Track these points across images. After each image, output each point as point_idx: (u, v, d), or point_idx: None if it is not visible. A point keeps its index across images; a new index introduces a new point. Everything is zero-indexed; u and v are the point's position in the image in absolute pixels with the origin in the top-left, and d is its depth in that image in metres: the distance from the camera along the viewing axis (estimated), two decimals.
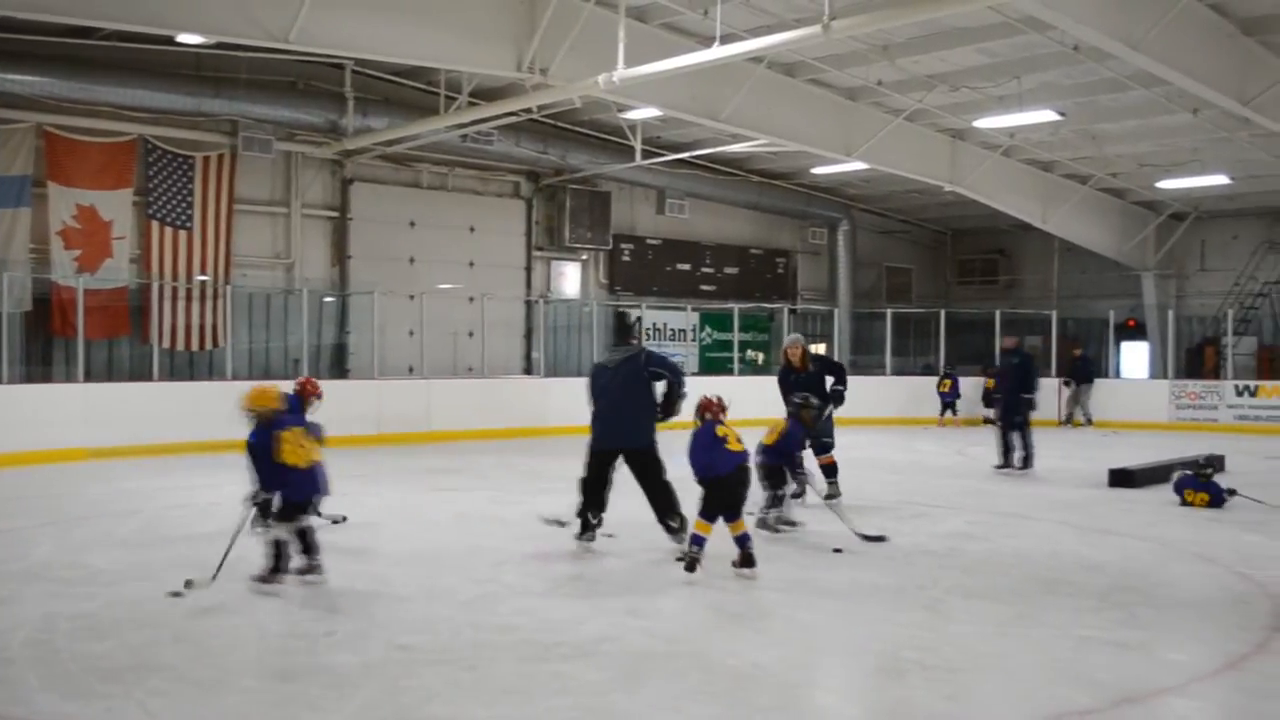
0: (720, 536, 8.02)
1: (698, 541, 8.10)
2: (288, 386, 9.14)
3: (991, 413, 20.70)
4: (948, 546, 9.35)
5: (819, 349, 25.11)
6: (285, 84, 19.05)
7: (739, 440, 8.29)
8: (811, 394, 10.38)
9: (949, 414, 23.19)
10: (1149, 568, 8.75)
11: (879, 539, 9.30)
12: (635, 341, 10.52)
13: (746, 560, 8.10)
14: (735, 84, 17.14)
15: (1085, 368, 23.29)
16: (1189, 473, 11.91)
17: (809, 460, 10.63)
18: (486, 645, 6.24)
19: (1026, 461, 14.46)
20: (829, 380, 11.52)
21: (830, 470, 11.46)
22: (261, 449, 7.52)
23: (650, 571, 8.29)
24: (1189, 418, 22.10)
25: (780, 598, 7.46)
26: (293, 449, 7.50)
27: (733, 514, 8.13)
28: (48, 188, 17.32)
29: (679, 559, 8.24)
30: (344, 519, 9.62)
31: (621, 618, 6.92)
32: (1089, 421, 22.73)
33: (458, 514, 10.43)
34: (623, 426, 8.95)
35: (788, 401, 10.53)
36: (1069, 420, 23.06)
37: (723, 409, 8.49)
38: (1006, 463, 14.59)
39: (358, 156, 20.75)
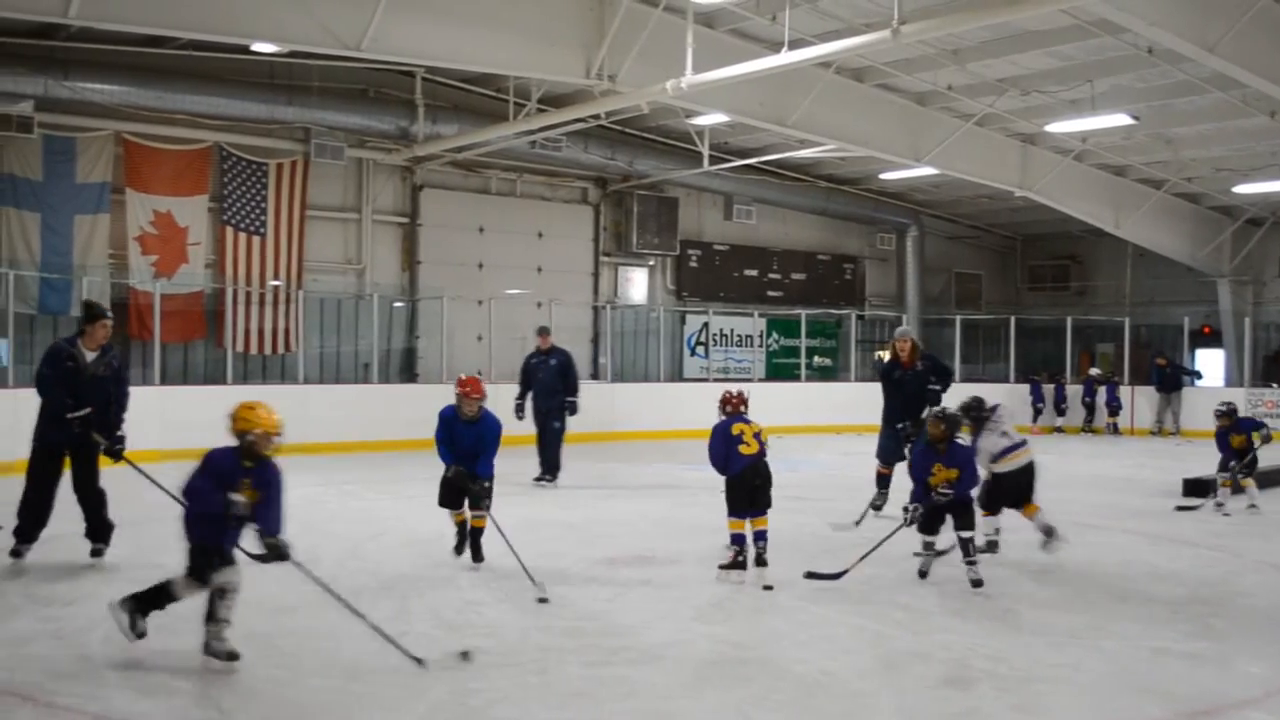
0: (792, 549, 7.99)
1: (736, 540, 8.33)
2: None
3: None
4: (1018, 555, 9.23)
5: (884, 354, 24.98)
6: (357, 91, 19.29)
7: (755, 439, 8.33)
8: (919, 394, 10.50)
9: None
10: (1223, 578, 8.62)
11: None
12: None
13: (758, 559, 8.31)
14: (803, 89, 17.09)
15: (1175, 376, 22.93)
16: None
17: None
18: (554, 649, 6.27)
19: None
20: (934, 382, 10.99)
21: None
22: None
23: (716, 579, 8.28)
24: None
25: (848, 606, 7.42)
26: None
27: (756, 510, 8.32)
28: (126, 194, 17.65)
29: (721, 566, 8.32)
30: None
31: (688, 623, 6.94)
32: (1177, 431, 22.36)
33: (525, 518, 10.46)
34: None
35: (889, 397, 10.84)
36: (1159, 430, 22.73)
37: (743, 402, 8.63)
38: None
39: (427, 163, 20.92)
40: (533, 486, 13.18)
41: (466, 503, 8.44)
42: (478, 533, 8.48)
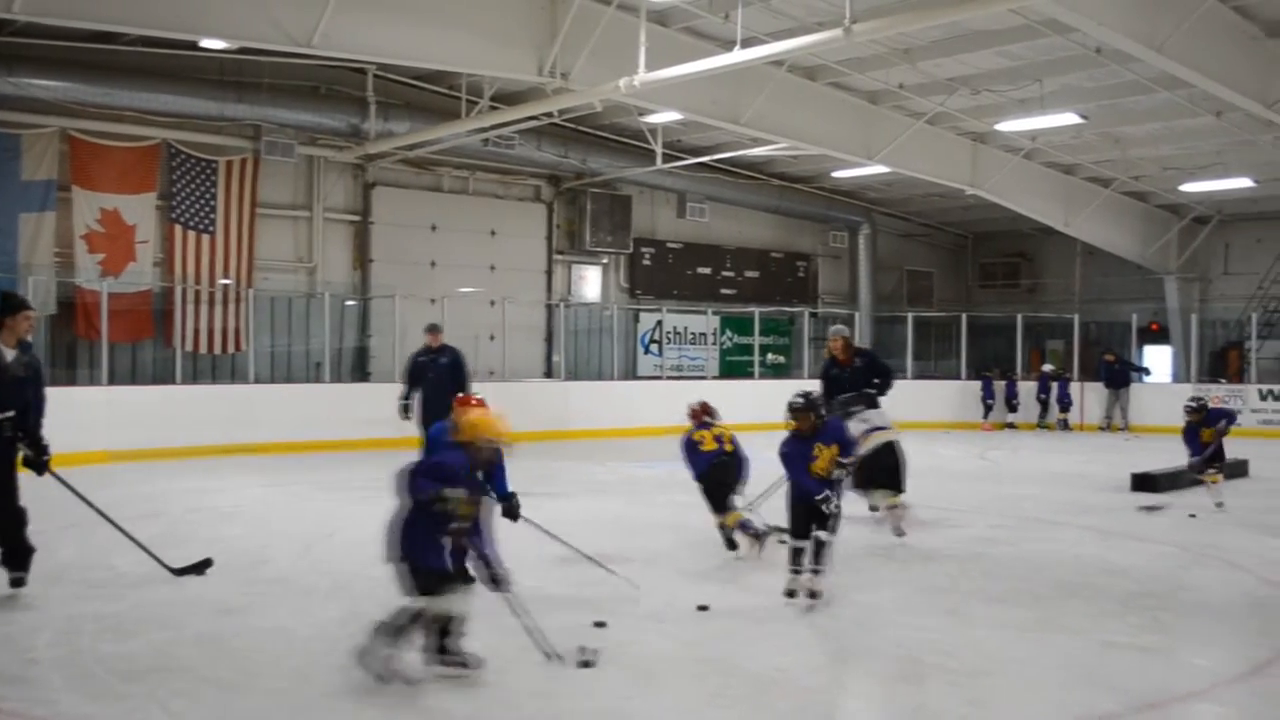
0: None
1: (744, 527, 8.70)
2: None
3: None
4: (969, 551, 9.32)
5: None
6: (307, 89, 19.14)
7: (715, 440, 8.90)
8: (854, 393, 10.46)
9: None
10: (1172, 572, 8.72)
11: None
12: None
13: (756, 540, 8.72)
14: (756, 88, 17.13)
15: (1123, 372, 23.21)
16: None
17: None
18: (509, 649, 6.23)
19: None
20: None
21: None
22: None
23: (671, 578, 8.29)
24: None
25: (801, 603, 7.43)
26: None
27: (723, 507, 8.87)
28: (72, 192, 17.40)
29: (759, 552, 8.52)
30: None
31: (642, 622, 6.93)
32: (1126, 426, 22.61)
33: None
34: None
35: (829, 395, 10.55)
36: (1108, 425, 22.96)
37: (706, 412, 9.19)
38: None
39: (379, 160, 20.81)
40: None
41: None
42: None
